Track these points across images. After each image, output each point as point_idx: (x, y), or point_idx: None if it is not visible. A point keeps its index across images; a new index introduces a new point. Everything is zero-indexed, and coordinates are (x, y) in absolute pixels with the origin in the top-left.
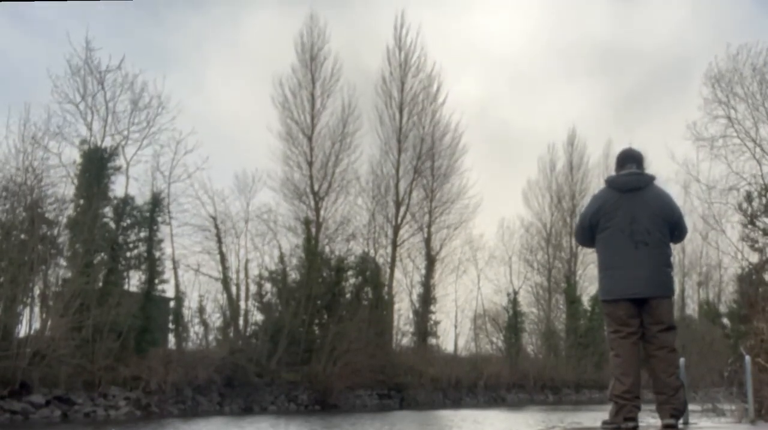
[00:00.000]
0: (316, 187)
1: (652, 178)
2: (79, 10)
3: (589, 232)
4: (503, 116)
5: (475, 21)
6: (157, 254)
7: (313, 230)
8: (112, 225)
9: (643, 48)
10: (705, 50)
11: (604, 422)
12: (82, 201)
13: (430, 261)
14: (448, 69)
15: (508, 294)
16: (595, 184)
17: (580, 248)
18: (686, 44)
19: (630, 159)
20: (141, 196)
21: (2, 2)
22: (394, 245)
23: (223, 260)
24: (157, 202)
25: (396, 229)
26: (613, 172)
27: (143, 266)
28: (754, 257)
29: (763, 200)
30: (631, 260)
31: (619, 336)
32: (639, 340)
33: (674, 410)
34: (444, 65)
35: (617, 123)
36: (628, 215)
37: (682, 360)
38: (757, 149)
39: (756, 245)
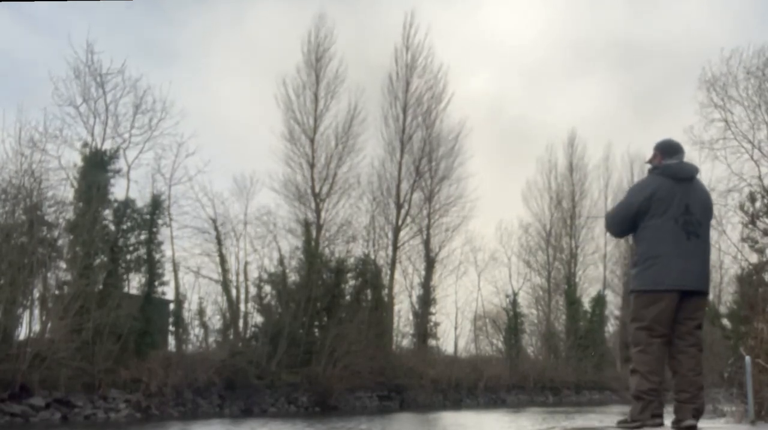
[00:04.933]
0: (317, 189)
1: (698, 170)
2: (81, 8)
3: (632, 220)
4: (515, 113)
5: (487, 16)
6: (157, 256)
7: (314, 232)
8: (112, 227)
9: (658, 44)
10: (719, 47)
11: (622, 422)
12: (81, 204)
13: (430, 263)
14: (460, 65)
15: (508, 295)
16: (596, 185)
17: (579, 249)
18: (702, 40)
19: (679, 149)
20: (141, 198)
21: (3, 2)
22: (395, 247)
23: (222, 262)
24: (157, 204)
25: (396, 230)
26: (611, 172)
27: (143, 269)
28: (755, 258)
29: (765, 201)
30: (683, 251)
31: (650, 334)
32: (668, 341)
33: (696, 411)
34: (455, 63)
35: (628, 121)
36: (682, 205)
37: None
38: (755, 151)
39: (756, 246)
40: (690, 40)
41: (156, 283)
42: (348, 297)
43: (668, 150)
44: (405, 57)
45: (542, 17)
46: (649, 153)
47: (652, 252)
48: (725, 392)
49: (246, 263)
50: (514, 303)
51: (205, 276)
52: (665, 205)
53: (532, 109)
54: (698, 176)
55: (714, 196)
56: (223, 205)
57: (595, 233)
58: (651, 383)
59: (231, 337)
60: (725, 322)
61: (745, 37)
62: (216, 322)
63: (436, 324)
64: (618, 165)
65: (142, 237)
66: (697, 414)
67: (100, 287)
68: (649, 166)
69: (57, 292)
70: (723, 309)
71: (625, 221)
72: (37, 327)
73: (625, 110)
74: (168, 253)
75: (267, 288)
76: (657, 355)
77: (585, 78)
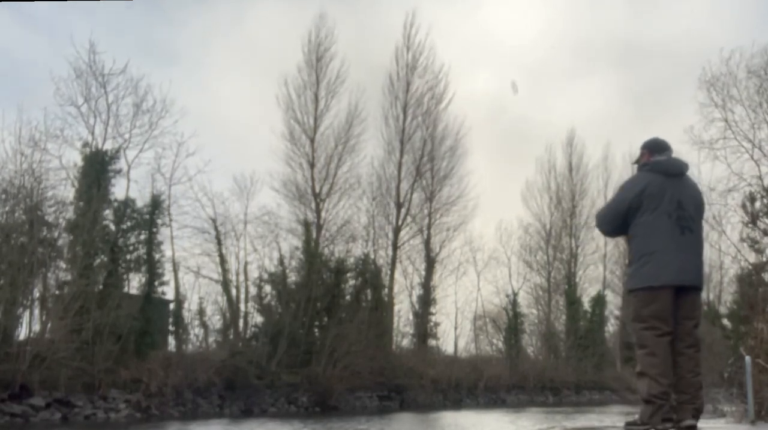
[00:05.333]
0: (317, 189)
1: (688, 166)
2: (81, 8)
3: (623, 217)
4: (516, 113)
5: (488, 16)
6: (157, 256)
7: (314, 231)
8: (112, 227)
9: (659, 43)
10: (720, 47)
11: (630, 424)
12: (81, 204)
13: (430, 263)
14: (461, 65)
15: (508, 295)
16: (595, 185)
17: (579, 248)
18: (704, 40)
19: (666, 146)
20: (141, 198)
21: (4, 2)
22: (395, 247)
23: (222, 262)
24: (157, 204)
25: (396, 230)
26: (610, 172)
27: (143, 269)
28: (755, 258)
29: (765, 201)
30: (679, 246)
31: (655, 334)
32: (672, 340)
33: (696, 411)
34: (455, 62)
35: (629, 121)
36: (674, 200)
37: None
38: (756, 151)
39: (756, 246)
40: (692, 40)
41: (156, 283)
42: (348, 297)
43: (656, 148)
44: (406, 57)
45: (543, 17)
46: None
47: (646, 249)
48: (725, 392)
49: (246, 263)
50: (514, 303)
51: (205, 276)
52: (657, 201)
53: (533, 109)
54: (688, 173)
55: (714, 196)
56: (224, 205)
57: (595, 233)
58: (661, 386)
59: (231, 337)
60: (725, 322)
61: (747, 37)
62: (216, 322)
63: (436, 324)
64: (618, 165)
65: (142, 237)
66: (697, 414)
67: (100, 287)
68: (636, 166)
69: (57, 292)
70: (723, 309)
71: (616, 218)
72: (37, 327)
73: (627, 110)
74: (168, 253)
75: (267, 288)
76: (665, 356)
77: (586, 78)
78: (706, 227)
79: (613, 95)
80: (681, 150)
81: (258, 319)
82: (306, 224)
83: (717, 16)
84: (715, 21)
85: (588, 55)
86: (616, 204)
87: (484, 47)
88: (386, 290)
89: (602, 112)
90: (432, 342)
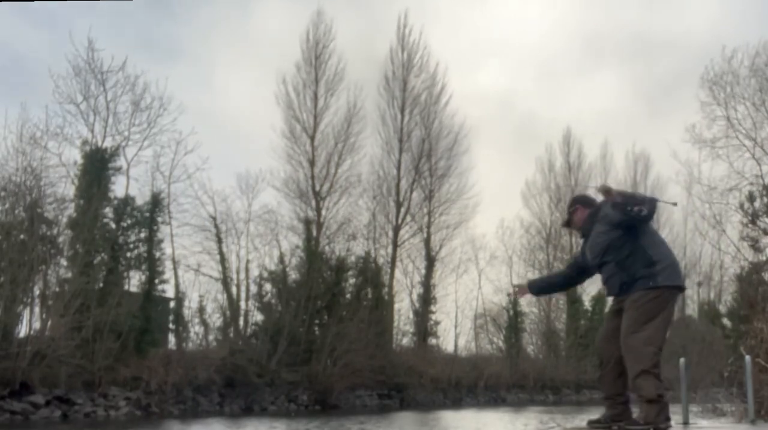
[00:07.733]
0: (317, 187)
1: None
2: (83, 5)
3: (618, 238)
4: (525, 109)
5: (496, 10)
6: (158, 254)
7: (314, 230)
8: (113, 225)
9: (672, 38)
10: (729, 43)
11: (593, 422)
12: (82, 201)
13: (430, 261)
14: (470, 60)
15: (508, 294)
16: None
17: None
18: (715, 37)
19: (594, 200)
20: (141, 196)
21: (4, 1)
22: (395, 245)
23: (223, 260)
24: (157, 202)
25: (396, 229)
26: (609, 170)
27: (143, 266)
28: (755, 257)
29: (765, 200)
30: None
31: (665, 332)
32: None
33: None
34: (465, 57)
35: (637, 118)
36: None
37: (682, 360)
38: (757, 149)
39: (756, 245)
40: (700, 37)
41: (156, 281)
42: (348, 295)
43: (587, 202)
44: (401, 57)
45: (551, 13)
46: (654, 151)
47: (661, 254)
48: (725, 392)
49: (247, 261)
50: (515, 302)
51: (206, 274)
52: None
53: (542, 106)
54: None
55: (715, 195)
56: (225, 203)
57: None
58: (663, 384)
59: (231, 335)
60: (725, 321)
61: (755, 34)
62: (216, 320)
63: (437, 323)
64: (617, 162)
65: (142, 235)
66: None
67: (101, 284)
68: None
69: (57, 289)
70: (722, 308)
71: (613, 239)
72: (37, 325)
73: (631, 107)
74: (168, 251)
75: (267, 286)
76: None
77: (589, 75)
78: (706, 226)
79: (618, 92)
80: (683, 148)
81: (258, 317)
82: (306, 223)
83: (727, 13)
84: (724, 18)
85: (595, 51)
86: (610, 226)
87: (492, 42)
88: (386, 289)
89: (607, 109)
90: (432, 341)
